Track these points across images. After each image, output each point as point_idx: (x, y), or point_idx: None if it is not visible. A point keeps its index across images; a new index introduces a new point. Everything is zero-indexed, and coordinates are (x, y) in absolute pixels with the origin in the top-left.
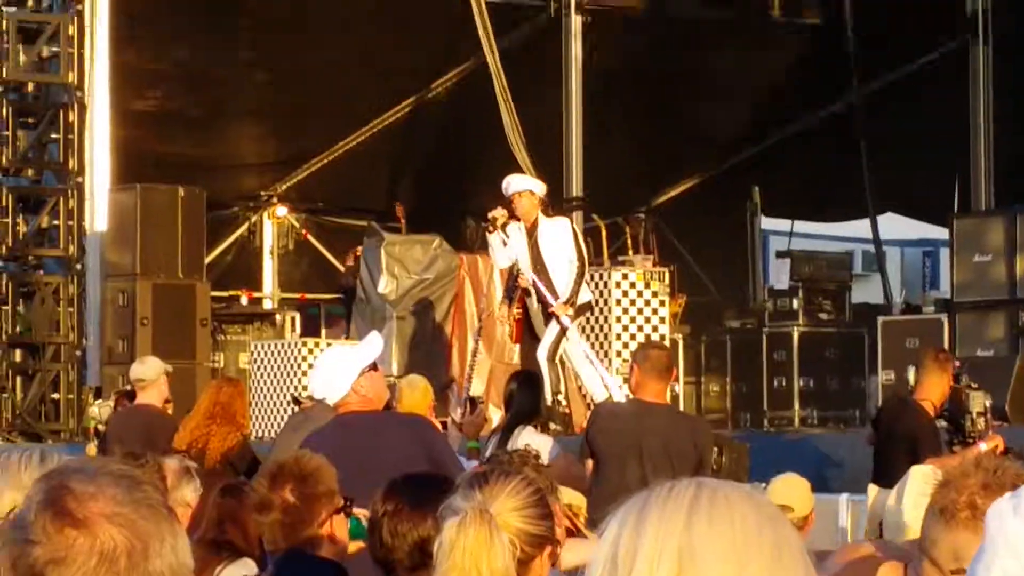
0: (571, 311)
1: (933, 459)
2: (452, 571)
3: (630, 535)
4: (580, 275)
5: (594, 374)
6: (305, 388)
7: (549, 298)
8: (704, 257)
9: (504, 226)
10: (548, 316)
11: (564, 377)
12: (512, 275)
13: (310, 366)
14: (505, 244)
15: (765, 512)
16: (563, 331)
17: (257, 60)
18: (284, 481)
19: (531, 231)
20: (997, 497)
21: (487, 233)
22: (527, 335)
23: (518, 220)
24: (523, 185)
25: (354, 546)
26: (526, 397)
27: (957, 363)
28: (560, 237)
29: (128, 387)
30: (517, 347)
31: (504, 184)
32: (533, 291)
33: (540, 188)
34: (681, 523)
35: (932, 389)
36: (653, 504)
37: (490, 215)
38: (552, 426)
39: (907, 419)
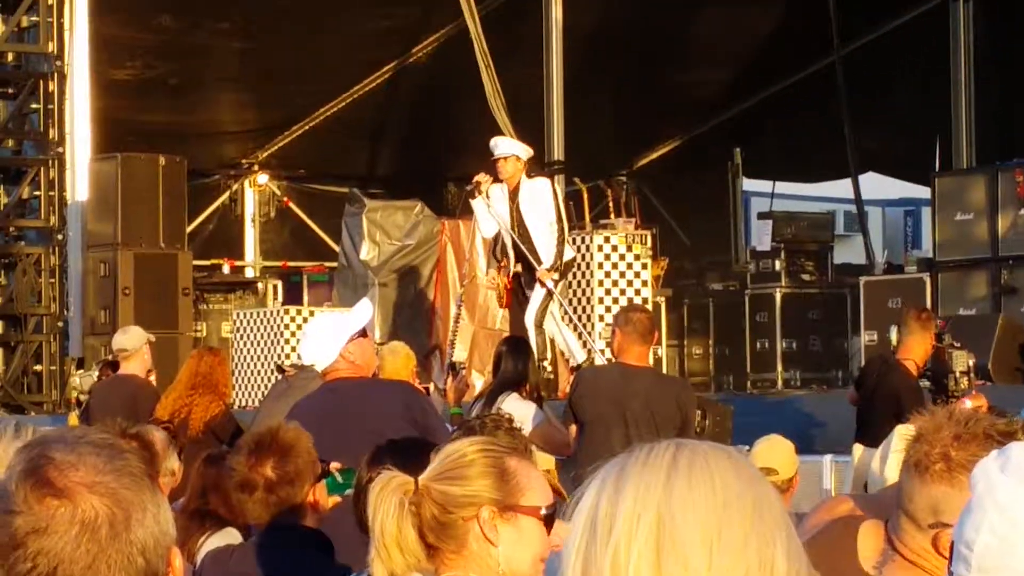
0: (556, 276)
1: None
2: (373, 534)
3: (609, 500)
4: (561, 239)
5: (572, 334)
6: (288, 356)
7: (532, 262)
8: (686, 219)
9: (487, 189)
10: (532, 280)
11: (549, 342)
12: (498, 241)
13: (292, 334)
14: (489, 209)
15: (745, 473)
16: (549, 295)
17: (235, 28)
18: (265, 457)
19: (513, 194)
20: (971, 448)
21: (471, 199)
22: (515, 300)
23: (501, 182)
24: (509, 149)
25: (330, 501)
26: (513, 363)
27: (940, 322)
28: (541, 198)
29: (111, 357)
30: (500, 313)
31: (492, 144)
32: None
33: (525, 152)
34: (660, 486)
35: (915, 348)
36: (631, 468)
37: (474, 180)
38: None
39: (891, 379)
